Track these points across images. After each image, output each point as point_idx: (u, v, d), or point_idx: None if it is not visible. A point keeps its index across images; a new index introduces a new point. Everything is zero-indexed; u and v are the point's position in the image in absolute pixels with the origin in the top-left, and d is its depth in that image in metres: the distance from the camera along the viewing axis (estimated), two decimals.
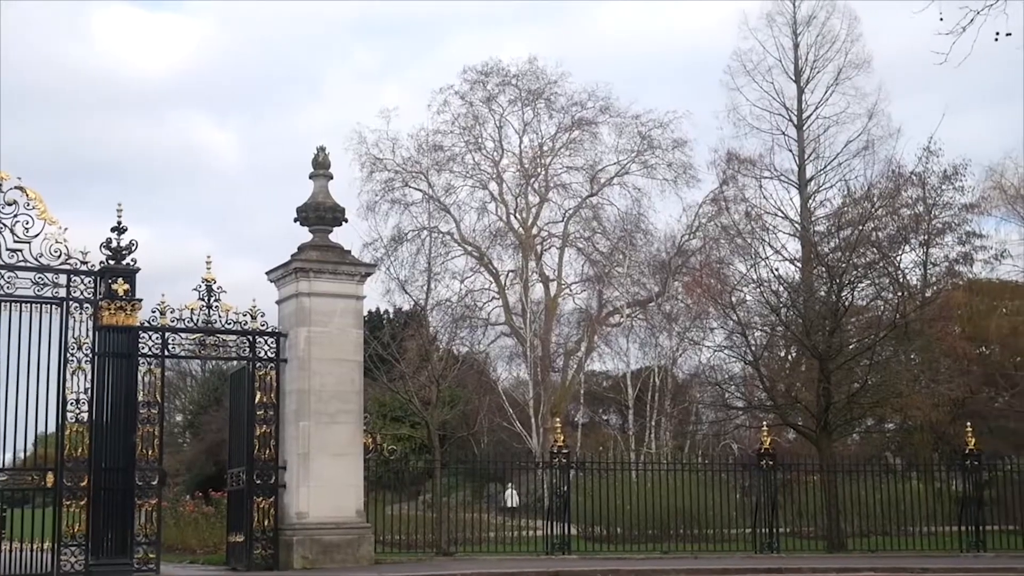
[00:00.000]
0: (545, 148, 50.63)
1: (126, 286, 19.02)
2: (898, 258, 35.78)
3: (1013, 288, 44.46)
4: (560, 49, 75.24)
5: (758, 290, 33.12)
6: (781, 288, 32.77)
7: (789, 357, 41.77)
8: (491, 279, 50.40)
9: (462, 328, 47.09)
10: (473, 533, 25.81)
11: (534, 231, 50.34)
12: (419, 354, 34.44)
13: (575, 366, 49.21)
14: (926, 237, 39.53)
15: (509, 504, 31.91)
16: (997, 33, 11.40)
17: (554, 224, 50.89)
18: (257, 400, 20.22)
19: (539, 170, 50.51)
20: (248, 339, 20.42)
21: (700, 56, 74.43)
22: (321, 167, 21.58)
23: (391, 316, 49.80)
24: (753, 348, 34.38)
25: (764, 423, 29.30)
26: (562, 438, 25.29)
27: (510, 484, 32.95)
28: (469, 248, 50.15)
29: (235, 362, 21.15)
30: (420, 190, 50.05)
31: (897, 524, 27.75)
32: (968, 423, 28.38)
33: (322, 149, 21.78)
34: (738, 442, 42.58)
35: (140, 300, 19.20)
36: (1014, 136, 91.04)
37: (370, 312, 46.74)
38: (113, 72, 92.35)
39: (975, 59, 11.80)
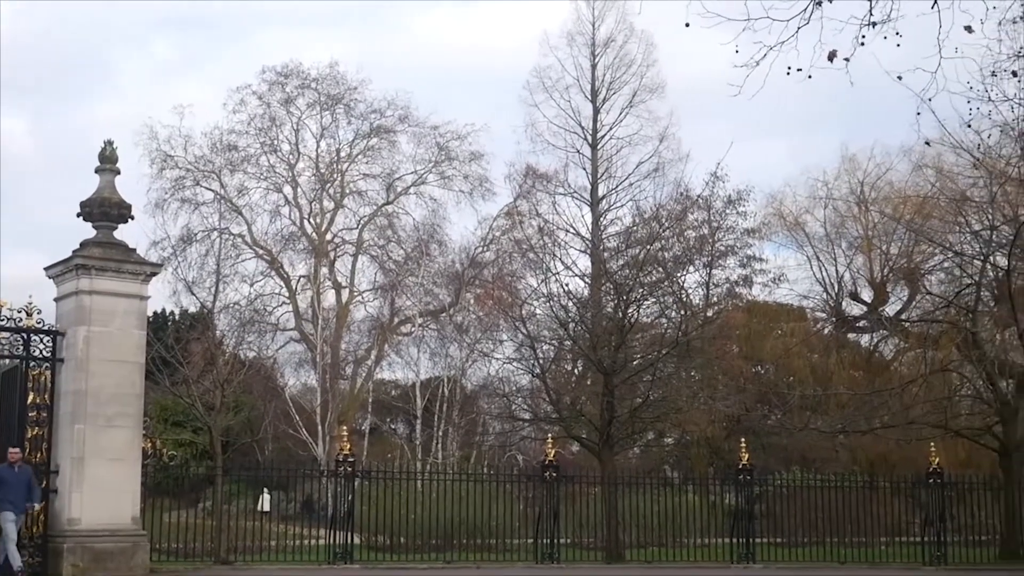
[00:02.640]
0: (342, 154, 50.29)
1: None
2: (682, 278, 36.89)
3: (788, 311, 46.42)
4: (365, 55, 75.14)
5: (548, 304, 33.61)
6: (570, 303, 33.35)
7: (575, 371, 42.55)
8: (282, 284, 49.70)
9: (250, 332, 46.18)
10: (254, 542, 25.32)
11: (328, 237, 49.87)
12: (204, 358, 33.59)
13: (364, 374, 48.93)
14: (710, 259, 40.89)
15: (263, 508, 31.60)
16: (789, 68, 11.90)
17: (348, 231, 50.58)
18: (30, 401, 19.37)
19: (335, 176, 50.08)
20: (22, 337, 19.53)
21: (502, 71, 75.56)
22: (108, 161, 20.85)
23: (176, 318, 48.46)
24: (541, 361, 34.85)
25: (549, 435, 29.73)
26: (348, 446, 25.10)
27: (265, 489, 32.64)
28: (260, 251, 49.31)
29: (7, 361, 20.18)
30: (212, 190, 48.98)
31: (673, 535, 28.51)
32: (742, 439, 29.43)
33: (110, 143, 21.06)
34: (523, 453, 43.12)
35: None
36: (795, 165, 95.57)
37: (155, 313, 45.45)
38: None
39: (763, 90, 12.30)
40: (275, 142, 49.81)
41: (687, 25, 11.60)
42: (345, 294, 49.75)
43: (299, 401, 46.77)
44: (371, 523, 26.27)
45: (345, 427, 28.67)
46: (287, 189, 49.96)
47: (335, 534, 24.25)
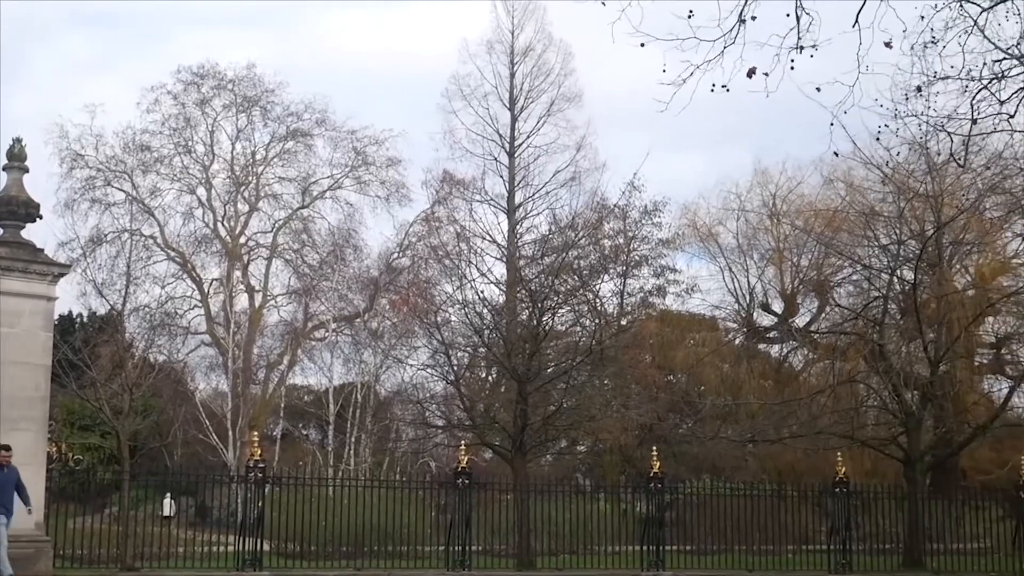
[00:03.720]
0: (258, 156, 49.86)
1: None
2: (597, 287, 37.10)
3: (700, 321, 46.92)
4: (284, 57, 74.45)
5: (463, 311, 33.59)
6: (485, 310, 33.36)
7: (490, 378, 42.57)
8: (194, 287, 49.11)
9: (160, 335, 45.47)
10: (161, 548, 24.94)
11: (242, 240, 49.39)
12: (113, 361, 33.03)
13: (277, 379, 48.52)
14: (624, 268, 41.16)
15: (165, 513, 31.22)
16: (713, 85, 12.05)
17: (263, 234, 50.15)
18: None
19: (250, 178, 49.63)
20: None
21: (423, 76, 75.32)
22: (16, 159, 20.46)
23: (84, 320, 47.60)
24: (455, 368, 34.82)
25: (462, 442, 29.69)
26: (259, 452, 24.84)
27: (168, 494, 32.24)
28: (172, 254, 48.68)
29: None
30: (123, 191, 48.28)
31: (584, 543, 28.63)
32: (654, 447, 29.65)
33: (18, 140, 20.68)
34: (436, 460, 43.03)
35: None
36: (712, 177, 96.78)
37: (62, 315, 44.54)
38: None
39: (682, 104, 12.44)
40: (189, 143, 49.28)
41: (613, 41, 11.74)
42: (258, 298, 49.31)
43: (210, 406, 46.17)
44: (281, 529, 26.02)
45: (256, 432, 28.36)
46: (201, 191, 49.46)
47: (244, 540, 23.98)
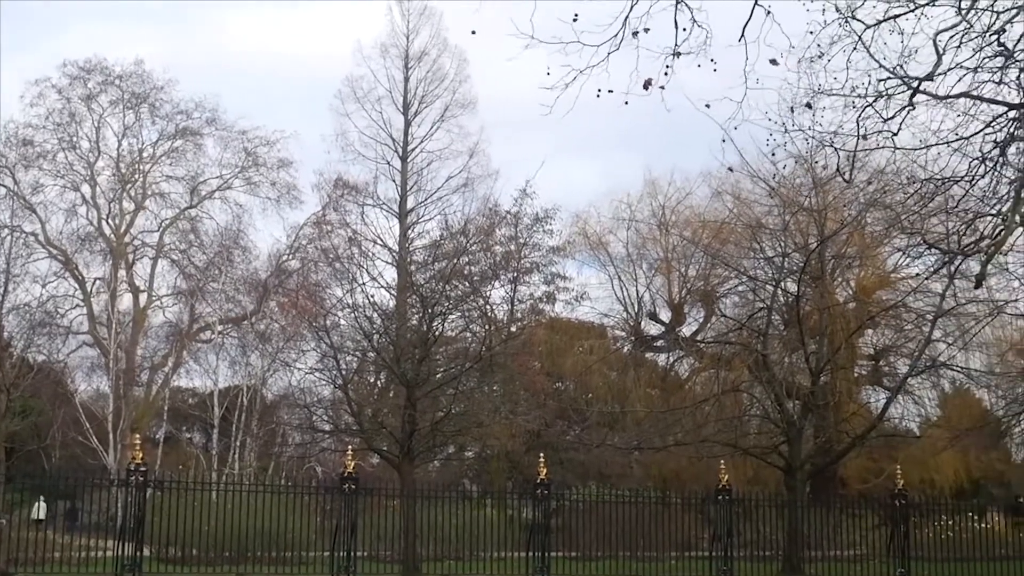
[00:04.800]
0: (145, 154, 48.99)
1: None
2: (488, 293, 37.21)
3: (589, 329, 47.34)
4: (179, 55, 73.15)
5: (353, 315, 33.36)
6: (375, 315, 33.18)
7: (378, 383, 42.41)
8: (76, 286, 48.00)
9: (40, 335, 44.39)
10: (36, 553, 24.29)
11: (127, 239, 48.42)
12: None
13: (160, 381, 47.65)
14: (515, 275, 41.36)
15: (36, 517, 30.49)
16: (599, 90, 12.14)
17: (149, 233, 49.25)
18: None
19: (137, 176, 48.72)
20: None
21: (317, 78, 74.72)
22: None
23: None
24: (344, 372, 34.55)
25: (349, 447, 29.49)
26: (141, 455, 24.35)
27: (41, 497, 31.51)
28: (54, 251, 47.53)
29: None
30: (4, 186, 47.00)
31: (470, 549, 28.60)
32: (541, 454, 29.74)
33: None
34: (323, 465, 42.63)
35: None
36: (606, 185, 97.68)
37: None
38: None
39: (576, 113, 12.53)
40: (74, 139, 48.25)
41: (473, 33, 11.75)
42: (143, 298, 48.41)
43: (91, 407, 45.14)
44: (162, 534, 25.53)
45: (138, 435, 27.84)
46: (85, 188, 48.44)
47: (124, 545, 23.47)
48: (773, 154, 15.70)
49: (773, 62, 12.54)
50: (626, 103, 12.24)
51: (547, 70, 12.06)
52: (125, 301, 47.96)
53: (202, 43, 74.24)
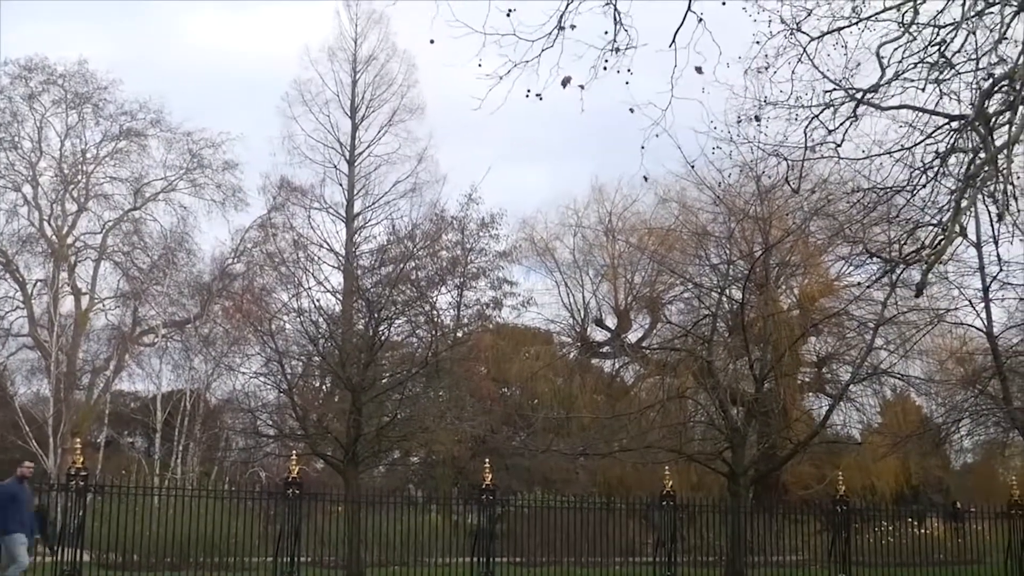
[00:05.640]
0: (88, 155, 48.41)
1: None
2: (435, 298, 37.16)
3: (535, 334, 47.43)
4: (123, 56, 72.37)
5: (298, 319, 33.22)
6: (321, 319, 33.05)
7: (324, 387, 42.21)
8: (17, 287, 47.35)
9: None
10: None
11: (69, 240, 47.85)
12: None
13: (102, 385, 47.11)
14: (462, 280, 41.35)
15: None
16: (528, 91, 12.17)
17: (91, 235, 48.66)
18: None
19: (80, 177, 48.16)
20: None
21: (266, 80, 74.23)
22: None
23: None
24: (289, 376, 34.35)
25: (294, 452, 29.32)
26: (81, 459, 24.11)
27: None
28: None
29: None
30: None
31: (415, 555, 28.54)
32: (486, 459, 29.74)
33: None
34: (266, 470, 42.34)
35: None
36: (554, 192, 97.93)
37: None
38: None
39: (526, 120, 12.58)
40: (15, 138, 47.54)
41: (432, 42, 11.76)
42: (85, 301, 47.82)
43: (30, 411, 44.53)
44: (103, 540, 25.24)
45: (79, 439, 27.53)
46: (27, 188, 47.75)
47: (63, 551, 23.19)
48: (715, 162, 15.86)
49: (698, 70, 12.60)
50: (582, 111, 12.30)
51: (479, 61, 12.02)
52: (67, 303, 47.42)
53: (149, 44, 73.60)
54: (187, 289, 47.77)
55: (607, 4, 12.08)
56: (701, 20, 12.20)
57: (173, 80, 72.44)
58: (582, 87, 12.20)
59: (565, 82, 12.10)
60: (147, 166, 49.11)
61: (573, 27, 12.08)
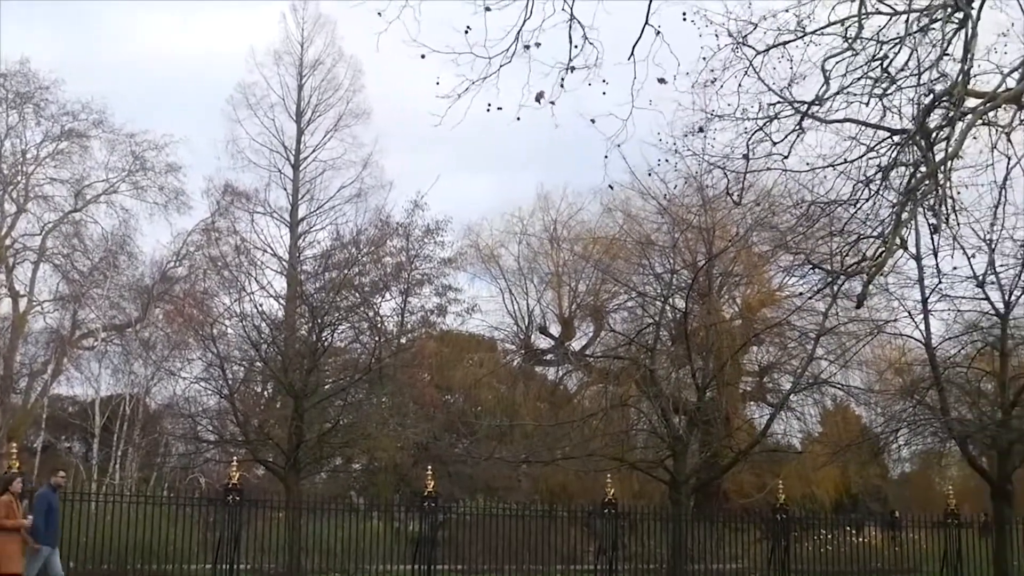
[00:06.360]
0: (28, 156, 47.67)
1: None
2: (378, 304, 37.02)
3: (479, 341, 47.40)
4: (68, 56, 71.39)
5: (241, 324, 32.95)
6: (264, 324, 32.82)
7: (266, 393, 41.87)
8: None
9: None
10: None
11: (7, 242, 47.12)
12: None
13: (40, 388, 46.42)
14: (406, 286, 41.21)
15: None
16: (489, 105, 12.20)
17: (30, 237, 47.89)
18: None
19: (19, 178, 47.42)
20: None
21: (212, 83, 73.57)
22: None
23: None
24: (230, 382, 34.06)
25: (234, 458, 29.12)
26: (18, 464, 23.72)
27: None
28: None
29: None
30: None
31: (356, 562, 28.42)
32: (429, 466, 29.72)
33: None
34: (207, 476, 41.95)
35: None
36: (496, 200, 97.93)
37: None
38: None
39: (473, 129, 12.58)
40: None
41: (377, 49, 11.76)
42: (23, 303, 47.08)
43: None
44: None
45: (15, 444, 27.09)
46: None
47: None
48: (660, 173, 15.94)
49: (661, 81, 12.74)
50: (518, 118, 12.32)
51: (438, 79, 12.12)
52: (4, 306, 46.64)
53: (94, 46, 72.73)
54: (128, 292, 47.18)
55: (569, 20, 12.13)
56: (659, 33, 12.30)
57: (117, 82, 71.56)
58: (552, 103, 12.28)
59: (538, 97, 12.16)
60: (89, 167, 48.47)
61: (538, 45, 12.12)
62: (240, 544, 26.02)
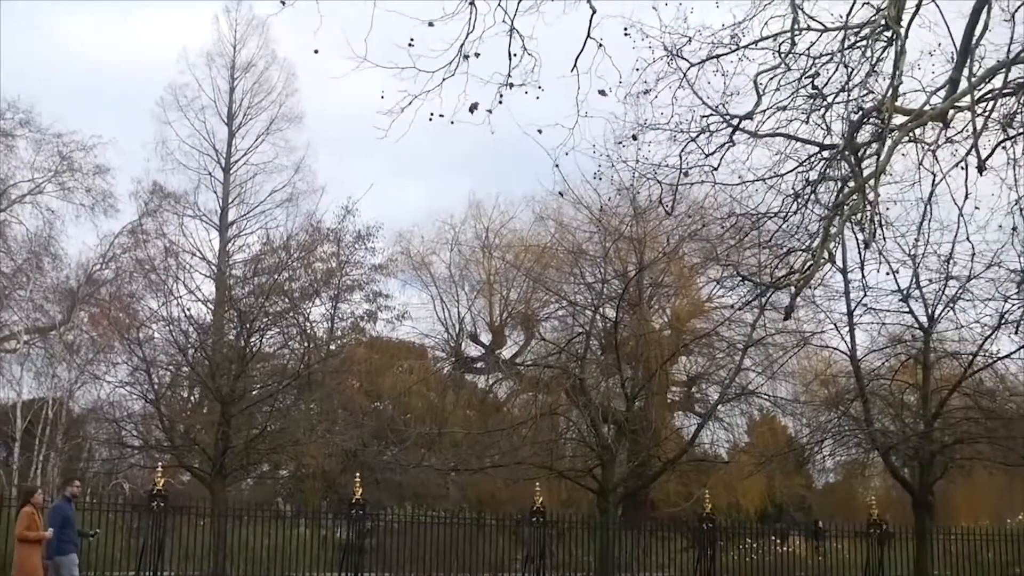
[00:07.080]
0: None
1: None
2: (308, 310, 36.77)
3: (410, 349, 47.25)
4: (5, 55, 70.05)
5: (167, 328, 32.56)
6: (191, 328, 32.46)
7: (192, 398, 41.42)
8: None
9: None
10: None
11: None
12: None
13: None
14: (336, 292, 41.00)
15: None
16: (432, 114, 12.19)
17: None
18: None
19: None
20: None
21: (140, 84, 72.58)
22: None
23: None
24: (156, 386, 33.64)
25: (159, 463, 28.76)
26: None
27: None
28: None
29: None
30: None
31: (282, 569, 28.21)
32: (357, 473, 29.60)
33: None
34: (131, 482, 41.37)
35: None
36: (428, 205, 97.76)
37: None
38: None
39: (408, 136, 12.54)
40: None
41: (316, 52, 11.70)
42: None
43: None
44: None
45: None
46: None
47: None
48: (598, 178, 16.04)
49: (602, 93, 12.85)
50: (452, 123, 12.34)
51: (382, 94, 12.11)
52: None
53: (21, 45, 71.36)
54: (52, 295, 46.39)
55: (509, 31, 12.16)
56: (601, 46, 12.40)
57: (46, 82, 70.28)
58: (490, 111, 12.29)
59: (473, 108, 12.17)
60: (14, 167, 47.56)
61: (477, 55, 12.13)
62: (164, 551, 25.73)
